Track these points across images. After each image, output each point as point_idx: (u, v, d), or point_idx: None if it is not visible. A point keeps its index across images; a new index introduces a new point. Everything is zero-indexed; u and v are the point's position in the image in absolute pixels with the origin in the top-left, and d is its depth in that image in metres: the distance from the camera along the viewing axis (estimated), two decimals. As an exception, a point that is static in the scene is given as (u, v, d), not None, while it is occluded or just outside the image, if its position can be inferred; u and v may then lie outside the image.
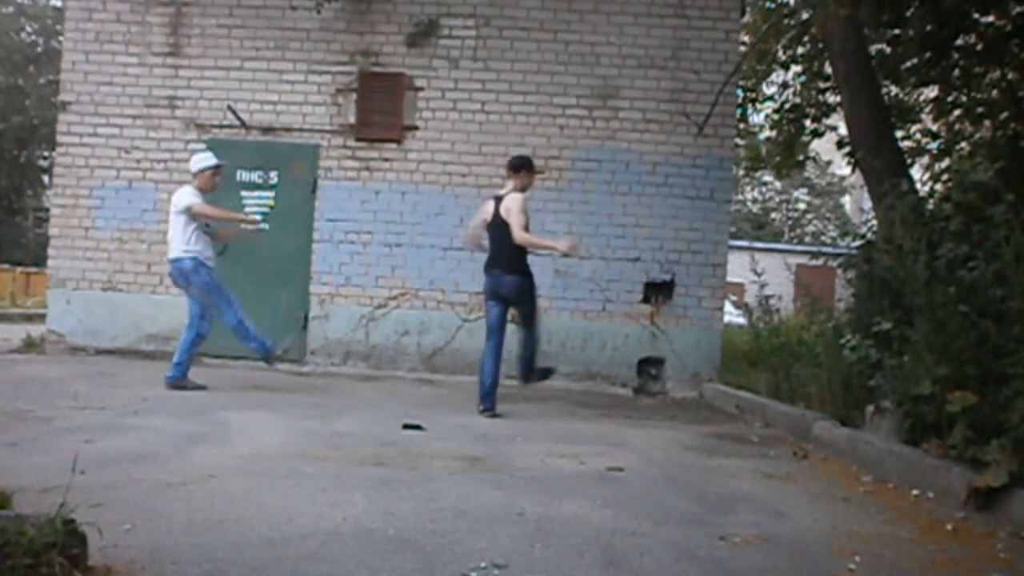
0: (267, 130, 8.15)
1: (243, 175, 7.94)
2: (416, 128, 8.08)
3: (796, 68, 10.77)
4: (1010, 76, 7.09)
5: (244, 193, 7.93)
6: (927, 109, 9.19)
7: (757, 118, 12.73)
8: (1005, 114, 7.39)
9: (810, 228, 43.85)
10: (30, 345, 8.29)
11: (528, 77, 8.02)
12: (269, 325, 7.93)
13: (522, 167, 5.80)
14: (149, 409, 4.89)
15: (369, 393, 6.46)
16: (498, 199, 5.70)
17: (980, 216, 4.37)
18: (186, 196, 6.04)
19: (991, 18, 6.70)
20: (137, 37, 8.22)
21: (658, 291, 7.91)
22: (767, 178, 37.44)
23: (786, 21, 9.51)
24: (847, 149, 8.38)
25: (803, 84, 10.83)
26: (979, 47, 6.98)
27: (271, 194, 8.05)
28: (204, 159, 6.20)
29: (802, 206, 45.13)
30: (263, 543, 2.40)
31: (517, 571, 2.28)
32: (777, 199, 45.48)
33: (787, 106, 11.01)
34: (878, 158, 6.71)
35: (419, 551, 2.40)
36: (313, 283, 8.06)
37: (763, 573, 2.41)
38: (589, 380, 7.85)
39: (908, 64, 7.32)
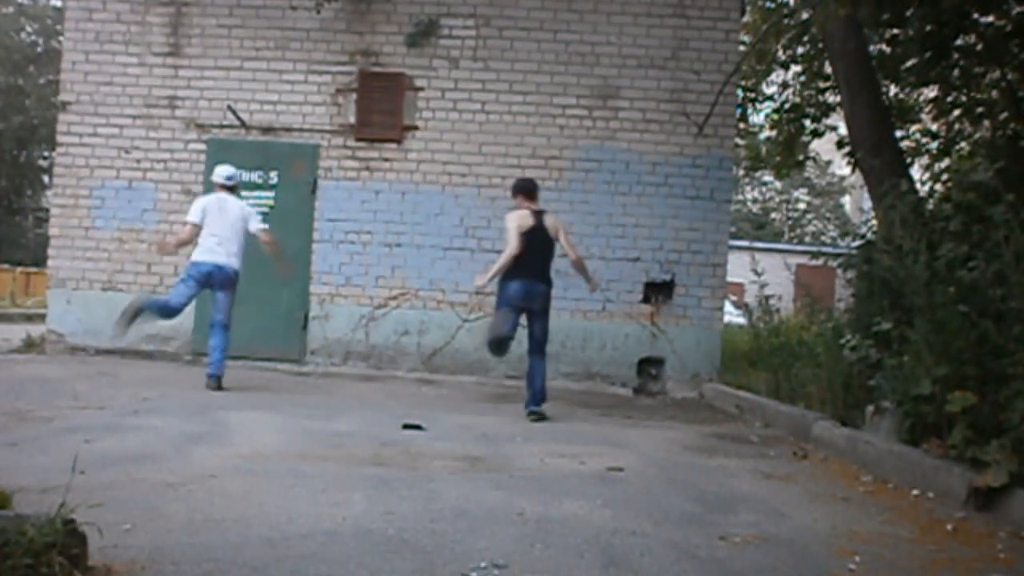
0: (267, 130, 8.15)
1: (243, 175, 7.93)
2: (416, 128, 8.08)
3: (796, 68, 10.78)
4: (1010, 76, 7.10)
5: (244, 193, 7.87)
6: (927, 109, 9.20)
7: (757, 118, 12.75)
8: (1005, 114, 7.39)
9: (810, 228, 43.79)
10: (30, 345, 8.29)
11: (528, 77, 8.02)
12: (269, 325, 7.99)
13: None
14: (149, 409, 4.89)
15: (369, 393, 6.46)
16: (539, 213, 5.67)
17: (980, 216, 4.37)
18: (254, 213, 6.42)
19: (991, 18, 6.71)
20: (137, 37, 8.22)
21: (658, 291, 7.91)
22: (767, 178, 37.41)
23: (786, 21, 9.51)
24: (847, 149, 8.39)
25: (803, 84, 10.83)
26: (979, 47, 6.99)
27: (271, 194, 8.05)
28: (233, 173, 6.48)
29: (802, 206, 45.08)
30: (263, 543, 2.40)
31: (517, 571, 2.27)
32: (777, 199, 45.42)
33: (787, 106, 11.02)
34: (878, 158, 6.71)
35: (419, 551, 2.40)
36: (313, 283, 8.06)
37: (763, 573, 2.41)
38: (589, 380, 7.85)
39: (908, 64, 7.33)
